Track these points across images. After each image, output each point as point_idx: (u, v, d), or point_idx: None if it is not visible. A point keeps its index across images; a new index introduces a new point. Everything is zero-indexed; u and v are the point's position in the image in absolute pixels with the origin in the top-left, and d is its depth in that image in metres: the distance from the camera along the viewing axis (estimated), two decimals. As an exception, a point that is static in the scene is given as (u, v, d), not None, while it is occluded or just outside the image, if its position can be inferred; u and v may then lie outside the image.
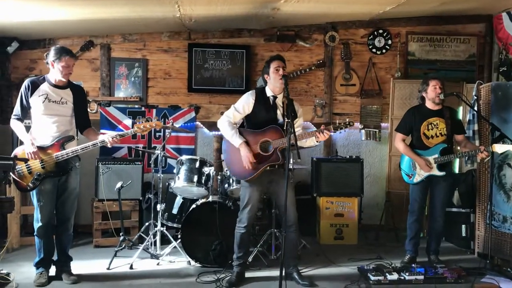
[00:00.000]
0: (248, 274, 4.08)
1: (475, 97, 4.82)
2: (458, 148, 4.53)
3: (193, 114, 5.83)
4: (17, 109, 3.79)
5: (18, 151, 3.75)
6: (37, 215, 3.79)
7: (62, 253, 3.97)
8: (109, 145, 3.80)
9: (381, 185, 6.02)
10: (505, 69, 5.66)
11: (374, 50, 6.01)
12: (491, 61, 6.02)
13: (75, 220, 4.06)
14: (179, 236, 4.50)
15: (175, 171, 4.70)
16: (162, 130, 5.70)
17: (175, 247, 4.56)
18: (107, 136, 3.79)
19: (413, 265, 4.07)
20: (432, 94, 4.33)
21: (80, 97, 3.93)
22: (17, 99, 3.81)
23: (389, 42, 5.99)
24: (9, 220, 4.77)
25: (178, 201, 4.86)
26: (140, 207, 5.24)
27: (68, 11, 4.63)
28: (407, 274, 3.90)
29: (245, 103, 3.92)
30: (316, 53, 5.99)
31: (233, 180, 4.51)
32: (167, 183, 4.93)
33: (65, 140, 3.76)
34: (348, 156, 5.59)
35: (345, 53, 5.92)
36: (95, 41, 5.72)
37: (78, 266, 4.13)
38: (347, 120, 3.70)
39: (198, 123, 5.88)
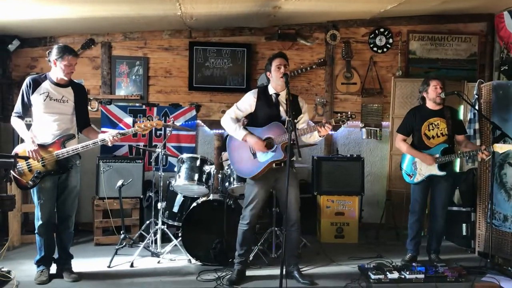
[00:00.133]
0: (248, 273, 4.08)
1: (476, 96, 4.82)
2: (459, 148, 4.52)
3: (194, 112, 5.83)
4: (18, 107, 3.79)
5: (18, 149, 3.76)
6: (37, 213, 3.80)
7: (63, 251, 3.98)
8: (109, 144, 3.80)
9: (381, 184, 6.02)
10: (506, 68, 5.65)
11: (375, 48, 6.00)
12: (492, 60, 6.02)
13: (75, 218, 4.06)
14: (179, 234, 4.50)
15: (175, 169, 4.71)
16: (163, 128, 5.70)
17: (175, 245, 4.56)
18: (107, 135, 3.79)
19: (414, 264, 4.08)
20: (432, 94, 4.32)
21: (81, 95, 3.92)
22: (18, 97, 3.81)
23: (390, 40, 5.99)
24: (10, 218, 4.77)
25: (179, 199, 4.86)
26: (141, 205, 5.25)
27: (69, 9, 4.63)
28: (407, 273, 3.90)
29: (247, 102, 3.92)
30: (317, 52, 5.99)
31: (234, 179, 4.50)
32: (167, 181, 4.94)
33: (66, 138, 3.76)
34: (348, 155, 5.59)
35: (346, 51, 5.92)
36: (96, 39, 5.72)
37: (79, 264, 4.14)
38: (349, 112, 3.64)
39: (199, 121, 5.88)
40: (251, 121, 3.97)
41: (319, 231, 5.39)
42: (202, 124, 5.90)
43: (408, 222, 4.51)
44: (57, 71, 3.75)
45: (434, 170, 4.31)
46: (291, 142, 3.44)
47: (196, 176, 4.56)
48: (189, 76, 5.83)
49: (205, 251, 4.31)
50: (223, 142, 5.76)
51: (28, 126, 3.84)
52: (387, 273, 3.90)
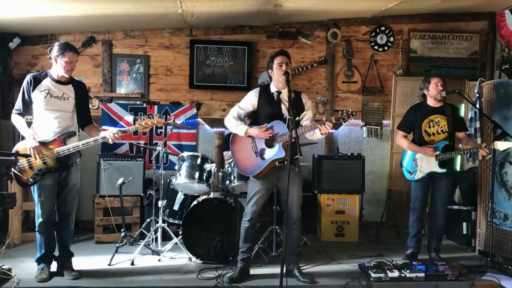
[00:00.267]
0: (249, 271, 4.08)
1: (477, 95, 4.81)
2: (460, 145, 4.53)
3: (194, 110, 5.83)
4: (18, 104, 3.79)
5: (19, 147, 3.75)
6: (38, 210, 3.80)
7: (64, 249, 3.98)
8: (110, 141, 3.80)
9: (382, 183, 6.02)
10: (508, 66, 5.66)
11: (376, 47, 6.00)
12: (494, 58, 6.01)
13: (76, 216, 4.06)
14: (180, 233, 4.50)
15: (176, 167, 4.71)
16: (163, 126, 5.71)
17: (176, 243, 4.56)
18: (108, 133, 3.79)
19: (414, 262, 4.08)
20: (433, 91, 4.33)
21: (82, 93, 3.92)
22: (18, 95, 3.81)
23: (391, 39, 5.98)
24: (11, 216, 4.77)
25: (179, 197, 4.86)
26: (142, 204, 5.25)
27: (70, 6, 4.63)
28: (408, 271, 3.89)
29: (249, 101, 3.93)
30: (318, 50, 5.99)
31: (234, 177, 4.50)
32: (168, 180, 4.94)
33: (67, 136, 3.76)
34: (349, 153, 5.59)
35: (347, 50, 5.91)
36: (97, 37, 5.72)
37: (79, 262, 4.14)
38: (350, 110, 3.61)
39: (199, 119, 5.88)
40: (253, 120, 3.98)
41: (319, 229, 5.39)
42: (203, 122, 5.89)
43: (409, 220, 4.52)
44: (57, 68, 3.75)
45: (435, 167, 4.31)
46: (292, 140, 3.43)
47: (197, 174, 4.56)
48: (189, 74, 5.83)
49: (205, 249, 4.31)
50: (223, 141, 5.77)
51: (29, 124, 3.83)
52: (388, 271, 3.90)
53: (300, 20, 5.87)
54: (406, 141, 4.45)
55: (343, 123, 3.69)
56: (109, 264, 4.27)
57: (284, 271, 3.35)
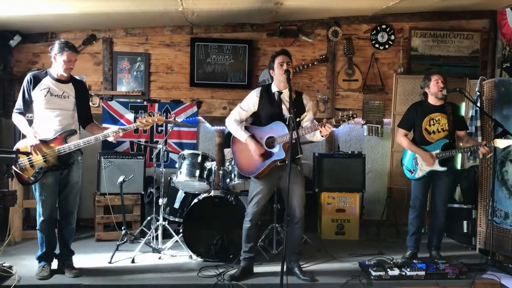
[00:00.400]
0: (249, 269, 4.09)
1: (478, 93, 4.81)
2: (460, 144, 4.52)
3: (195, 108, 5.83)
4: (19, 103, 3.79)
5: (20, 145, 3.75)
6: (39, 209, 3.80)
7: (64, 247, 3.98)
8: (113, 140, 3.79)
9: (382, 181, 6.02)
10: (509, 65, 5.65)
11: (377, 45, 6.00)
12: (495, 57, 6.01)
13: (77, 214, 4.06)
14: (180, 231, 4.50)
15: (177, 165, 4.71)
16: (164, 124, 5.71)
17: (176, 241, 4.57)
18: (109, 131, 3.79)
19: (415, 260, 4.08)
20: (434, 89, 4.32)
21: (82, 91, 3.92)
22: (19, 93, 3.81)
23: (392, 37, 5.97)
24: (12, 214, 4.77)
25: (180, 195, 4.86)
26: (142, 201, 5.25)
27: (70, 4, 4.63)
28: (408, 269, 3.90)
29: (250, 101, 3.92)
30: (318, 48, 5.98)
31: (235, 175, 4.50)
32: (169, 178, 4.94)
33: (68, 134, 3.76)
34: (350, 152, 5.58)
35: (347, 48, 5.91)
36: (98, 35, 5.71)
37: (80, 260, 4.14)
38: (351, 112, 3.59)
39: (200, 117, 5.88)
40: (254, 120, 3.97)
41: (320, 227, 5.40)
42: (203, 120, 5.90)
43: (409, 218, 4.51)
44: (57, 67, 3.75)
45: (435, 166, 4.30)
46: (293, 139, 3.42)
47: (197, 173, 4.56)
48: (190, 72, 5.83)
49: (206, 247, 4.32)
50: (224, 139, 5.77)
51: (30, 122, 3.83)
52: (388, 269, 3.90)
53: (301, 18, 5.87)
54: (406, 140, 4.44)
55: (343, 124, 3.68)
56: (110, 262, 4.28)
57: (285, 269, 3.35)
